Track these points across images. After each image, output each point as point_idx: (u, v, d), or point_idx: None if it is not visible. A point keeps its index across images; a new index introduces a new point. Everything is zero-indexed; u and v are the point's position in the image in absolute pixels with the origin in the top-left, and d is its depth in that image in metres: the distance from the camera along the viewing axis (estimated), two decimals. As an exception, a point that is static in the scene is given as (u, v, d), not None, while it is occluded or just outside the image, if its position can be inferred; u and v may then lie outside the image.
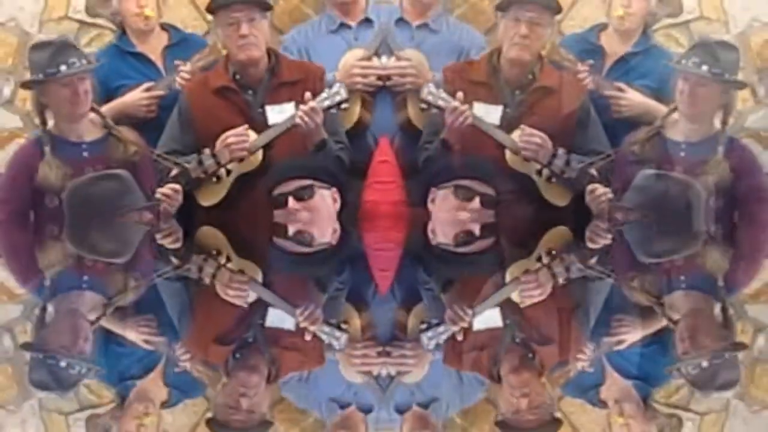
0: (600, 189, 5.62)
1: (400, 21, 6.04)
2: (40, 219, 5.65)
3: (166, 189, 5.57)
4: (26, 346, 3.38)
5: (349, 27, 6.04)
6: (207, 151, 5.59)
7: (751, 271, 4.52)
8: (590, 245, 5.35)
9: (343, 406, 2.84)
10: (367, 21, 6.04)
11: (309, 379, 3.12)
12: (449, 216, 5.62)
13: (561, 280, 4.56)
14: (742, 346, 3.37)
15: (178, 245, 5.35)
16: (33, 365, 3.22)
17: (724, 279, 4.46)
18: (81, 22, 6.23)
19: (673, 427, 2.71)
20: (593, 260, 5.02)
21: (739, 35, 6.31)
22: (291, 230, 5.44)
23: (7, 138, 6.21)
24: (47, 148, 5.62)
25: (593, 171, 5.62)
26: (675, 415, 2.76)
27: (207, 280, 4.63)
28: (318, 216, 5.59)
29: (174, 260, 5.10)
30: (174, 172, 5.59)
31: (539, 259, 5.03)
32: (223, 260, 5.03)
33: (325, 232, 5.45)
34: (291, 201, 5.56)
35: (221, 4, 5.70)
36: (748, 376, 3.14)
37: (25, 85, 5.76)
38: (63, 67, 5.55)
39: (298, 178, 5.60)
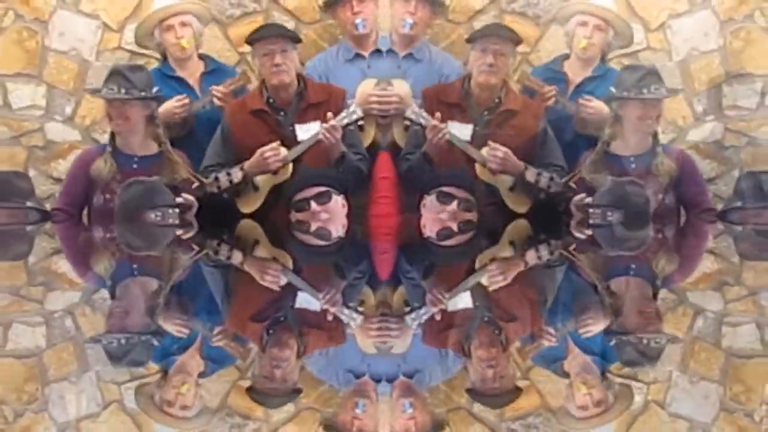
0: (582, 200, 5.66)
1: (390, 51, 6.04)
2: (91, 216, 5.65)
3: (184, 198, 5.59)
4: (99, 337, 3.31)
5: (363, 57, 6.04)
6: (224, 171, 5.60)
7: (686, 272, 4.49)
8: (575, 233, 5.38)
9: (357, 376, 2.84)
10: (378, 52, 6.05)
11: (329, 354, 3.11)
12: (433, 216, 5.64)
13: (536, 262, 4.57)
14: (674, 338, 3.32)
15: (190, 234, 5.34)
16: (128, 349, 3.17)
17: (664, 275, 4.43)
18: (132, 52, 6.22)
19: (625, 396, 2.69)
20: (571, 247, 5.04)
21: (680, 62, 6.30)
22: (313, 227, 5.45)
23: (67, 149, 6.21)
24: (108, 149, 5.63)
25: (572, 184, 5.65)
26: (627, 386, 2.76)
27: (237, 265, 4.64)
28: (334, 216, 5.61)
29: (194, 246, 5.12)
30: (195, 185, 5.60)
31: (511, 244, 5.06)
32: (253, 249, 5.05)
33: (339, 228, 5.46)
34: (313, 204, 5.56)
35: (258, 37, 5.73)
36: (688, 352, 3.14)
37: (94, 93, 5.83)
38: (123, 91, 5.59)
39: (315, 185, 5.62)
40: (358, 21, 6.00)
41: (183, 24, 6.00)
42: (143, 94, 5.58)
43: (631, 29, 6.17)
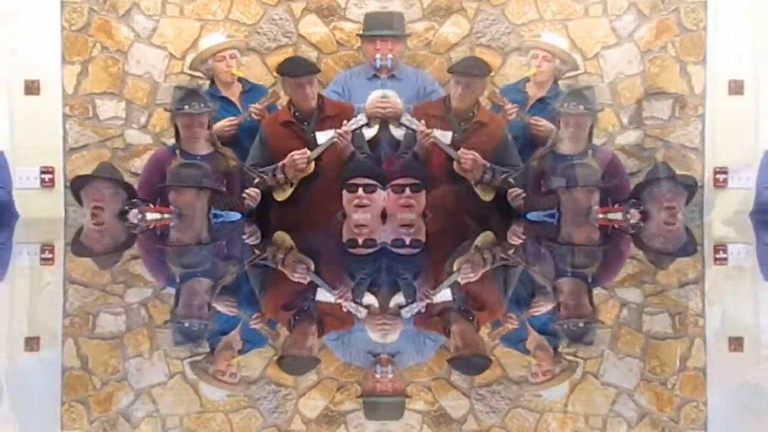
0: (516, 191, 5.58)
1: (374, 77, 5.94)
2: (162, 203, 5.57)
3: (251, 191, 5.52)
4: (167, 321, 3.31)
5: (379, 77, 5.94)
6: (279, 168, 5.51)
7: (613, 275, 4.40)
8: (510, 242, 5.29)
9: (375, 355, 2.82)
10: (392, 76, 5.96)
11: (350, 341, 3.07)
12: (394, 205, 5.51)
13: (489, 265, 4.51)
14: (600, 322, 3.31)
15: (257, 242, 5.28)
16: (174, 333, 3.15)
17: (594, 276, 4.33)
18: (191, 75, 6.14)
19: (571, 368, 2.70)
20: (510, 251, 4.97)
21: (610, 84, 6.24)
22: (360, 240, 5.19)
23: (142, 150, 6.13)
24: (178, 152, 5.57)
25: (511, 180, 5.59)
26: (574, 361, 2.74)
27: (278, 265, 4.58)
28: (373, 207, 5.46)
29: (256, 251, 5.05)
30: (256, 180, 5.53)
31: (475, 249, 4.97)
32: (289, 252, 4.98)
33: (381, 236, 5.23)
34: (360, 190, 5.47)
35: (291, 73, 5.63)
36: (616, 334, 3.12)
37: (166, 110, 5.74)
38: (187, 107, 5.54)
39: (365, 176, 5.49)
40: (377, 57, 5.91)
41: (232, 56, 5.95)
42: (210, 108, 5.58)
43: (573, 57, 6.12)
